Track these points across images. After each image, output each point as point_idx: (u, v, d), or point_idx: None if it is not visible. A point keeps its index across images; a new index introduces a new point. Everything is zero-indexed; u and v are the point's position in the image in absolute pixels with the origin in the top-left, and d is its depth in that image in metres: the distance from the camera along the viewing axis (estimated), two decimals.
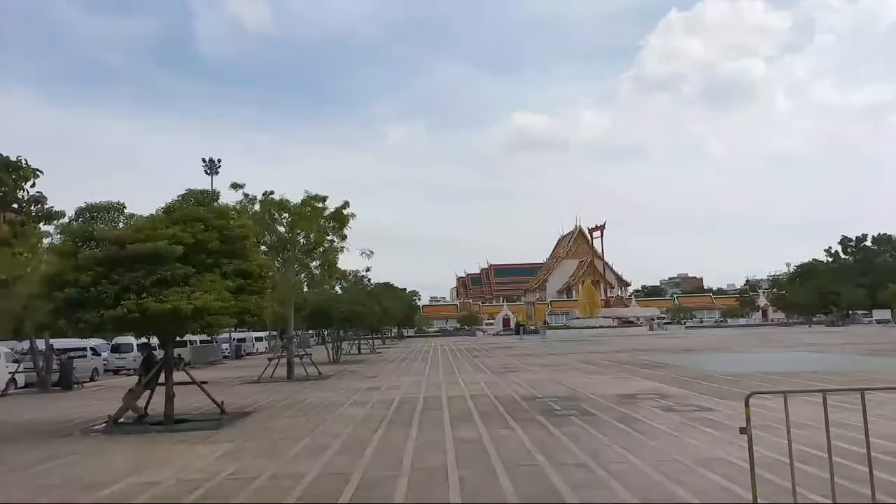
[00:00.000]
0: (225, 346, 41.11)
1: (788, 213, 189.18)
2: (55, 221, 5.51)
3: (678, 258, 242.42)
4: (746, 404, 4.38)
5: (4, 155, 5.26)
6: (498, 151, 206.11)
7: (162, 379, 12.87)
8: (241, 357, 43.67)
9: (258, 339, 53.34)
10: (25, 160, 5.85)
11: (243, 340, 47.45)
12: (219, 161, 63.00)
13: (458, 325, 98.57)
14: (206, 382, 14.02)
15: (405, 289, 61.64)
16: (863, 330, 53.75)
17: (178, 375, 13.28)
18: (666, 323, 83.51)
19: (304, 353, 23.03)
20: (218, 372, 28.63)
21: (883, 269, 71.82)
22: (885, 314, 62.78)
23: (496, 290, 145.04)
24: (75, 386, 21.91)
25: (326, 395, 16.68)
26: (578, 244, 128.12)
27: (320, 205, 21.99)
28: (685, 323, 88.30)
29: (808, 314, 74.73)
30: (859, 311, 70.01)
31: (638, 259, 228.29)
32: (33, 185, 6.08)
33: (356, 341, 42.63)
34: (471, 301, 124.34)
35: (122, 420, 12.66)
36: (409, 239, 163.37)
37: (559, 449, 8.64)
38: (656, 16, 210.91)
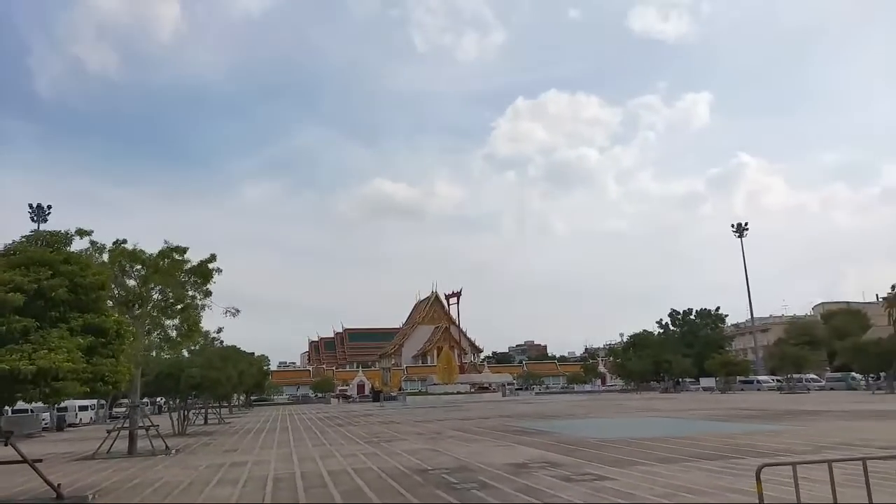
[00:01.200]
0: (44, 415, 35.62)
1: (622, 286, 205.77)
2: None
3: (525, 325, 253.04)
4: (758, 478, 3.99)
5: None
6: (356, 215, 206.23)
7: None
8: (63, 429, 38.07)
9: (82, 408, 47.06)
10: None
11: (65, 409, 41.46)
12: (48, 207, 56.76)
13: (313, 392, 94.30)
14: (39, 461, 11.62)
15: (252, 353, 57.75)
16: (693, 396, 58.47)
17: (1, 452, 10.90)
18: (517, 389, 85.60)
19: (150, 424, 20.30)
20: (39, 446, 24.49)
21: (705, 340, 79.55)
22: (710, 382, 68.96)
23: (350, 355, 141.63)
24: None
25: (184, 473, 14.58)
26: (434, 310, 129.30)
27: (180, 257, 20.01)
28: (534, 389, 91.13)
29: (642, 381, 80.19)
30: (688, 379, 76.36)
31: (488, 325, 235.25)
32: None
33: (201, 410, 38.82)
34: (324, 366, 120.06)
35: None
36: (256, 300, 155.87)
37: None
38: (506, 101, 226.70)
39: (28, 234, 11.71)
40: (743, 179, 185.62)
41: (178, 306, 19.37)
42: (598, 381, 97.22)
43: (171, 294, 18.79)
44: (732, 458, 13.62)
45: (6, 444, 10.81)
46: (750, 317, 79.92)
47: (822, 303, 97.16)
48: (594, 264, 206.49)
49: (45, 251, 10.80)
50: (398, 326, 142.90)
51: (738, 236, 76.76)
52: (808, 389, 56.40)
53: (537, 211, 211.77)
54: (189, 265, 19.94)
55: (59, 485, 11.68)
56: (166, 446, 20.14)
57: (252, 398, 73.29)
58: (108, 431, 20.08)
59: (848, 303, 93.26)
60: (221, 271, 20.31)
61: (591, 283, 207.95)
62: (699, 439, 17.78)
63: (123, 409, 53.69)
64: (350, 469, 14.12)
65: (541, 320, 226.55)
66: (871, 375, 53.47)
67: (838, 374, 61.44)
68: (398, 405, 57.46)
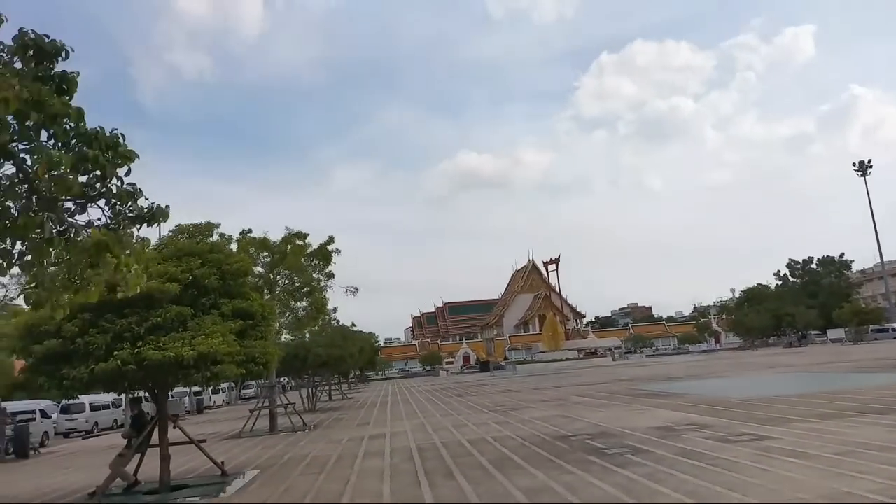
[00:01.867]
0: (185, 399, 38.43)
1: (729, 240, 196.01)
2: (158, 223, 4.18)
3: (627, 288, 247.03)
4: None
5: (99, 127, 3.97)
6: (445, 191, 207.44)
7: (154, 440, 11.26)
8: (202, 411, 40.95)
9: (215, 391, 50.49)
10: (123, 136, 4.50)
11: (200, 393, 44.59)
12: (167, 206, 60.83)
13: (422, 366, 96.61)
14: (203, 440, 12.37)
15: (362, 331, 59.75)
16: (823, 349, 54.95)
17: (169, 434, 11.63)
18: (626, 353, 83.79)
19: (287, 402, 21.29)
20: (188, 428, 26.34)
21: (830, 289, 74.37)
22: (838, 333, 64.55)
23: (452, 329, 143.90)
24: (31, 453, 19.53)
25: (329, 448, 15.14)
26: (532, 278, 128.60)
27: (301, 242, 20.67)
28: (644, 352, 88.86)
29: (762, 337, 76.26)
30: (812, 332, 71.87)
31: (588, 291, 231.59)
32: (128, 174, 4.69)
33: (326, 387, 40.58)
34: (428, 340, 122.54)
35: (109, 491, 10.93)
36: (358, 280, 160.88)
37: (653, 494, 7.59)
38: (589, 58, 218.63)
39: (173, 228, 12.31)
40: (857, 113, 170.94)
41: (305, 289, 20.03)
42: (712, 340, 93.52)
43: (297, 278, 19.46)
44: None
45: (175, 427, 11.54)
46: (880, 260, 73.73)
47: None
48: (697, 219, 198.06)
49: (192, 243, 11.34)
50: (497, 297, 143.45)
51: (861, 175, 70.84)
52: None
53: (631, 168, 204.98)
54: (311, 249, 20.53)
55: (222, 462, 12.40)
56: (304, 423, 21.06)
57: (365, 374, 75.97)
58: (251, 411, 21.23)
59: None
60: (340, 252, 20.80)
61: (695, 239, 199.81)
62: (855, 393, 16.51)
63: (251, 391, 57.27)
64: (488, 437, 14.13)
65: (643, 281, 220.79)
66: None
67: None
68: (508, 374, 57.67)
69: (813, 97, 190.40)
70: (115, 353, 9.52)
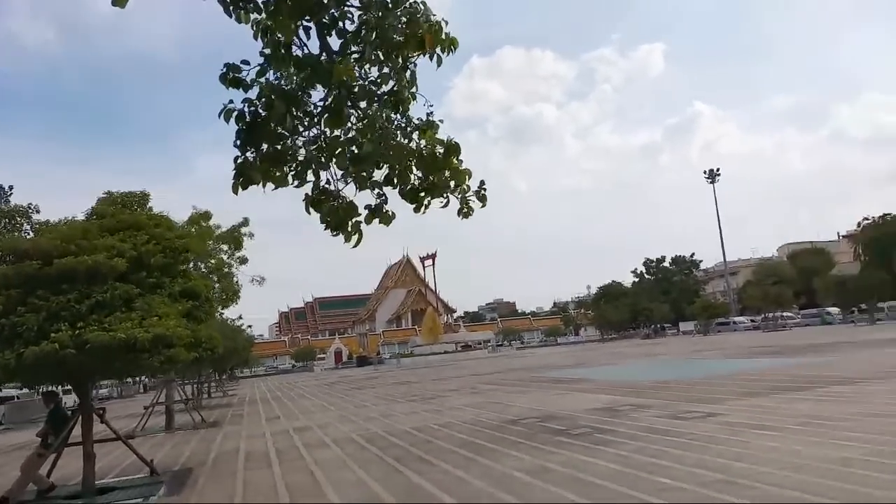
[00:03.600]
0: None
1: (586, 240, 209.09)
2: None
3: (492, 284, 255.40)
4: None
5: None
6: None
7: (74, 437, 9.79)
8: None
9: (66, 391, 45.49)
10: None
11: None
12: (10, 188, 53.75)
13: (293, 362, 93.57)
14: (132, 437, 10.96)
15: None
16: (679, 340, 60.09)
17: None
18: (498, 345, 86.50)
19: (187, 398, 19.57)
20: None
21: (680, 286, 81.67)
22: (688, 326, 71.02)
23: (322, 324, 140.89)
24: None
25: (255, 442, 14.06)
26: (406, 273, 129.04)
27: (206, 224, 19.05)
28: (514, 345, 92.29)
29: (620, 329, 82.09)
30: (665, 325, 78.45)
31: (456, 286, 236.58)
32: None
33: (206, 384, 37.86)
34: (299, 336, 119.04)
35: (21, 497, 9.34)
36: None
37: (657, 467, 7.72)
38: (461, 60, 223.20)
39: (103, 195, 10.73)
40: (699, 127, 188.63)
41: (212, 275, 18.48)
42: (573, 333, 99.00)
43: (209, 262, 17.89)
44: (821, 387, 13.83)
45: (102, 422, 10.08)
46: (723, 260, 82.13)
47: (788, 243, 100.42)
48: (557, 220, 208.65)
49: (136, 214, 9.96)
50: (368, 293, 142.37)
51: (710, 182, 78.28)
52: (787, 327, 58.46)
53: (499, 171, 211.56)
54: (220, 231, 19.01)
55: (151, 460, 11.07)
56: (203, 419, 19.48)
57: (233, 371, 72.10)
58: (146, 408, 19.26)
59: (812, 242, 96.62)
60: (253, 236, 19.45)
61: (555, 240, 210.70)
62: (758, 375, 18.06)
63: (105, 391, 52.18)
64: (433, 425, 13.79)
65: (508, 278, 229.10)
66: (855, 309, 55.53)
67: (814, 311, 63.87)
68: (390, 368, 57.36)
69: (662, 110, 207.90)
70: (53, 334, 8.11)
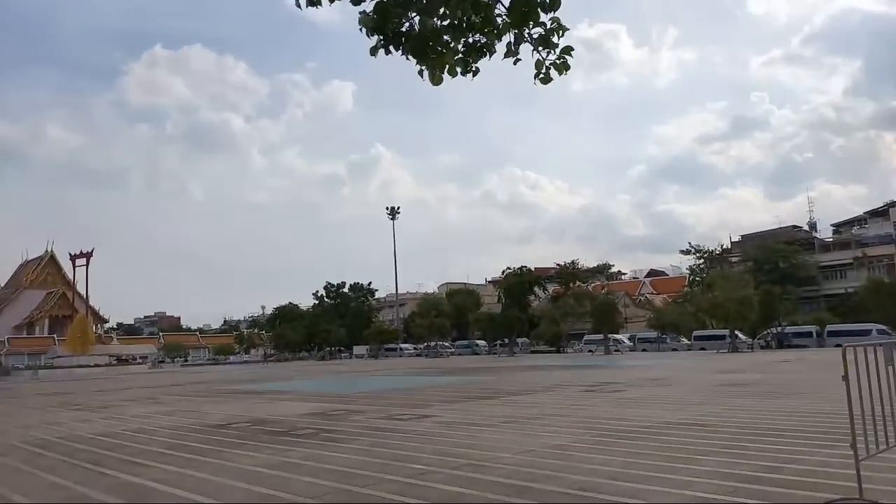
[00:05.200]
0: None
1: (261, 259, 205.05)
2: None
3: (153, 296, 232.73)
4: (844, 357, 5.16)
5: None
6: None
7: None
8: None
9: None
10: None
11: None
12: None
13: None
14: None
15: None
16: (352, 362, 62.44)
17: None
18: (160, 361, 79.00)
19: None
20: None
21: (355, 311, 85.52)
22: (361, 350, 74.50)
23: None
24: None
25: None
26: (49, 272, 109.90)
27: None
28: (178, 361, 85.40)
29: (295, 350, 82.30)
30: (338, 347, 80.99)
31: (108, 294, 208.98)
32: None
33: None
34: None
35: None
36: None
37: (402, 458, 7.93)
38: (142, 46, 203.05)
39: None
40: (378, 168, 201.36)
41: None
42: (245, 352, 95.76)
43: None
44: (502, 396, 15.79)
45: None
46: (394, 291, 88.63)
47: (447, 282, 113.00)
48: (233, 235, 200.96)
49: None
50: None
51: (392, 218, 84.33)
52: (441, 354, 65.35)
53: (173, 172, 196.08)
54: None
55: None
56: None
57: None
58: None
59: (465, 283, 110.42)
60: None
61: (229, 255, 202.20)
62: (445, 388, 19.83)
63: None
64: (122, 430, 11.87)
65: (172, 290, 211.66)
66: (498, 342, 64.57)
67: (465, 342, 72.72)
68: (25, 380, 47.59)
69: (347, 145, 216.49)
70: None
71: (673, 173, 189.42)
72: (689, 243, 73.64)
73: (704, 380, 19.10)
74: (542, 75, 4.36)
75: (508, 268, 79.29)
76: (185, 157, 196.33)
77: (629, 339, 59.80)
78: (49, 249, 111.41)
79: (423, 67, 4.28)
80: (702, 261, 71.36)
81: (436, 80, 4.37)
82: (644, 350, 55.99)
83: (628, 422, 10.30)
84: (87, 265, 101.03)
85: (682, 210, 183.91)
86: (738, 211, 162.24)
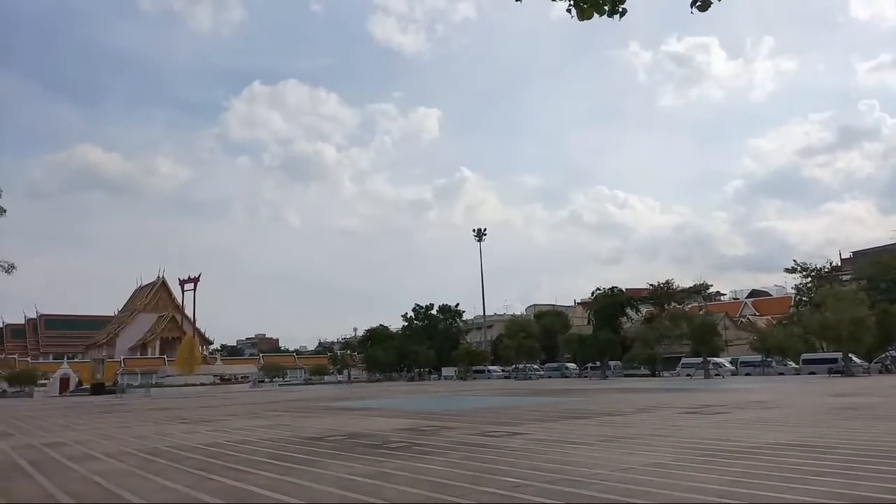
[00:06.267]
0: None
1: (353, 282, 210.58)
2: None
3: (253, 319, 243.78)
4: None
5: None
6: (52, 185, 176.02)
7: None
8: None
9: None
10: None
11: None
12: None
13: (6, 386, 78.74)
14: None
15: None
16: (441, 383, 62.62)
17: None
18: (259, 381, 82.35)
19: None
20: None
21: (444, 333, 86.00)
22: (450, 371, 74.70)
23: (45, 346, 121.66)
24: None
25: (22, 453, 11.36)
26: (160, 297, 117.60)
27: None
28: (277, 381, 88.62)
29: (386, 371, 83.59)
30: (426, 369, 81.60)
31: (213, 318, 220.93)
32: None
33: None
34: (15, 357, 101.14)
35: None
36: None
37: (495, 471, 7.83)
38: (242, 83, 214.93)
39: None
40: (463, 192, 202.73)
41: None
42: (338, 373, 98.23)
43: None
44: (595, 417, 15.33)
45: None
46: (482, 313, 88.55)
47: (534, 304, 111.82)
48: (326, 259, 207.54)
49: None
50: (108, 314, 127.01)
51: (478, 240, 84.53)
52: (530, 377, 64.33)
53: (271, 201, 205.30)
54: None
55: None
56: None
57: None
58: None
59: (553, 305, 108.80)
60: (5, 212, 16.26)
61: (323, 278, 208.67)
62: (536, 408, 19.49)
63: None
64: (226, 441, 12.44)
65: (271, 314, 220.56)
66: (589, 365, 62.99)
67: (555, 364, 71.31)
68: (138, 397, 51.02)
69: (433, 170, 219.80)
70: None
71: (773, 188, 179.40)
72: (795, 261, 68.91)
73: (816, 402, 17.81)
74: (699, 3, 4.32)
75: (598, 288, 77.70)
76: (281, 186, 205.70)
77: (730, 362, 56.57)
78: (160, 275, 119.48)
79: (571, 3, 4.32)
80: (809, 279, 66.72)
81: (585, 15, 4.41)
82: (747, 374, 52.83)
83: (734, 442, 9.74)
84: (195, 290, 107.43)
85: (785, 227, 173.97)
86: (848, 226, 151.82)
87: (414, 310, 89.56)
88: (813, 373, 46.50)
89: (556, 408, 19.21)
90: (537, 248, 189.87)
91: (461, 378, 69.40)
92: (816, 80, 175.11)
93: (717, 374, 50.74)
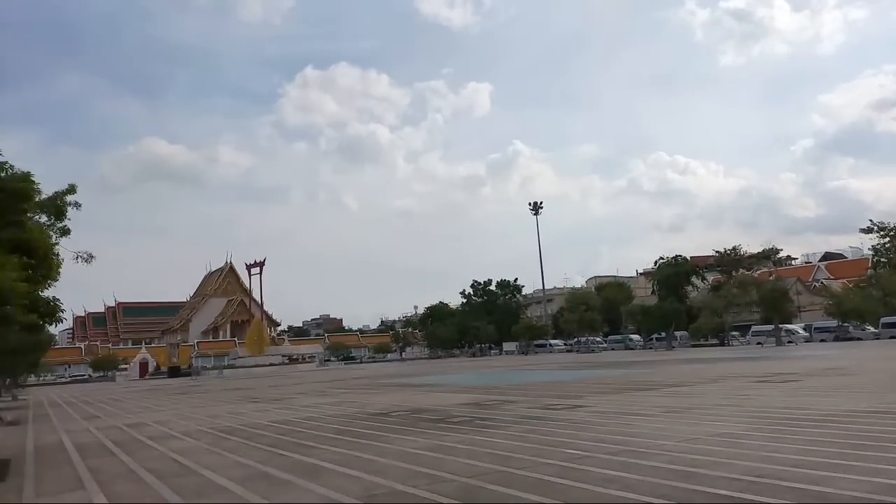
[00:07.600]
0: None
1: (411, 260, 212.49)
2: None
3: (317, 300, 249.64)
4: None
5: None
6: (124, 178, 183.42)
7: None
8: None
9: None
10: None
11: None
12: None
13: (90, 371, 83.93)
14: None
15: None
16: (504, 358, 62.88)
17: None
18: (325, 360, 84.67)
19: None
20: None
21: (504, 308, 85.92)
22: (511, 346, 74.83)
23: (124, 332, 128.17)
24: None
25: (81, 437, 12.11)
26: (228, 282, 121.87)
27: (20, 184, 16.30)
28: (342, 360, 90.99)
29: (447, 348, 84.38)
30: (486, 344, 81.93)
31: (279, 300, 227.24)
32: None
33: None
34: (97, 343, 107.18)
35: None
36: None
37: (557, 443, 7.80)
38: (294, 69, 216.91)
39: None
40: (517, 165, 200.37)
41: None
42: (399, 351, 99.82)
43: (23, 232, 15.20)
44: (660, 388, 15.06)
45: None
46: (541, 287, 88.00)
47: (595, 276, 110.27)
48: (384, 239, 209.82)
49: None
50: (181, 300, 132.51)
51: (535, 213, 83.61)
52: (592, 350, 63.70)
53: (329, 184, 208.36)
54: (39, 197, 16.37)
55: None
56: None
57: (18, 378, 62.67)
58: None
59: (614, 276, 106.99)
60: (80, 206, 16.99)
61: (382, 258, 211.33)
62: (599, 381, 19.30)
63: None
64: (294, 419, 12.88)
65: (334, 294, 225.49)
66: (654, 336, 61.85)
67: (618, 336, 70.35)
68: (211, 379, 53.33)
69: (486, 145, 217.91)
70: None
71: (845, 146, 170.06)
72: (871, 220, 65.16)
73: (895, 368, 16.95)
74: None
75: (661, 258, 75.87)
76: (338, 170, 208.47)
77: (804, 329, 54.37)
78: (228, 261, 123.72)
79: None
80: (887, 239, 63.12)
81: None
82: (822, 340, 50.79)
83: (807, 410, 9.40)
84: (261, 273, 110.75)
85: (859, 185, 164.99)
86: None
87: (472, 286, 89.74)
88: (894, 337, 44.28)
89: (619, 380, 18.96)
90: (595, 220, 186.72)
91: (522, 353, 69.42)
92: (890, 29, 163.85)
93: (789, 342, 48.93)
